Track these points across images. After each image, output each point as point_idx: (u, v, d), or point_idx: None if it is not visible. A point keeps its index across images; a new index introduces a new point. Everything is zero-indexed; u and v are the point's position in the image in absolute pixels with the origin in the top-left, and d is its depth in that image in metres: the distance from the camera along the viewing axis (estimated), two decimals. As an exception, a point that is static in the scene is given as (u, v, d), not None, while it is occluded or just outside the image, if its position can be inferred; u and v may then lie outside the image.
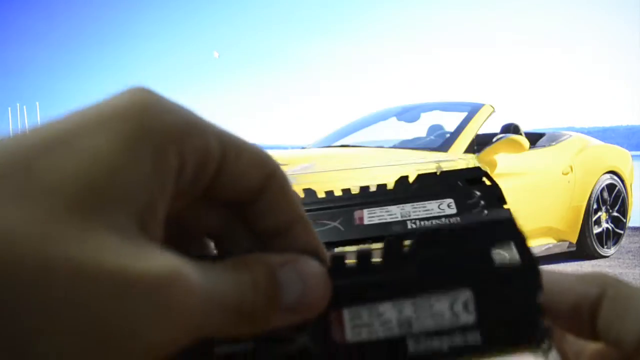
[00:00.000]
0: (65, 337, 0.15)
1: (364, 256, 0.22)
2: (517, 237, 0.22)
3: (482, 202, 0.36)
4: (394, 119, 4.84)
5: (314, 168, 3.23)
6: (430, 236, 0.22)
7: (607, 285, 0.22)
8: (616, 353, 0.23)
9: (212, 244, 0.23)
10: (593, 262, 4.24)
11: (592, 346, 0.24)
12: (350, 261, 0.22)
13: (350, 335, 0.21)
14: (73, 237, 0.15)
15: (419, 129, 4.65)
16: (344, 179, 3.04)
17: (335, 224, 0.36)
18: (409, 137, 4.55)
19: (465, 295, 0.21)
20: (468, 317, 0.21)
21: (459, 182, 0.38)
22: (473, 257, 0.22)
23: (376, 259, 0.22)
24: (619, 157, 4.73)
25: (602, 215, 4.45)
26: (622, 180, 4.61)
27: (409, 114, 4.81)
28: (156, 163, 0.17)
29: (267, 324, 0.20)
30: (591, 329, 0.22)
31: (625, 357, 0.22)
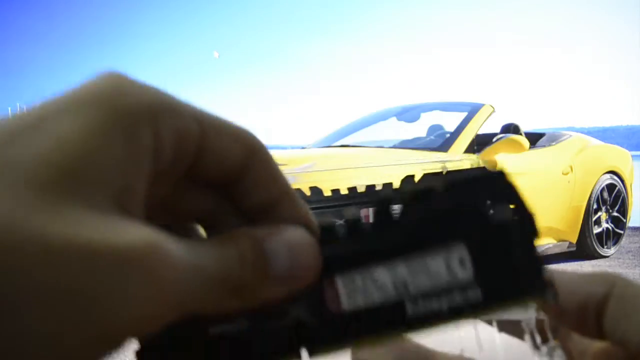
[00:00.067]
0: (39, 313, 0.14)
1: (353, 222, 0.22)
2: (509, 190, 0.21)
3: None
4: (394, 119, 4.84)
5: (314, 168, 3.23)
6: (420, 195, 0.21)
7: (613, 285, 0.22)
8: (621, 352, 0.22)
9: (201, 230, 0.23)
10: (593, 262, 4.24)
11: (598, 345, 0.24)
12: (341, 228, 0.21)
13: (345, 303, 0.21)
14: (42, 215, 0.15)
15: (419, 129, 4.66)
16: (344, 178, 3.04)
17: (341, 222, 0.36)
18: (409, 137, 4.56)
19: (460, 250, 0.21)
20: (466, 274, 0.21)
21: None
22: (465, 211, 0.21)
23: (366, 224, 0.21)
24: (619, 157, 4.73)
25: (602, 215, 4.45)
26: (622, 180, 4.61)
27: (409, 114, 4.81)
28: (129, 144, 0.17)
29: (258, 296, 0.19)
30: (597, 328, 0.22)
31: (630, 356, 0.22)
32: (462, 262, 0.21)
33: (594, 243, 4.33)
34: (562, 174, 4.19)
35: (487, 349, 0.24)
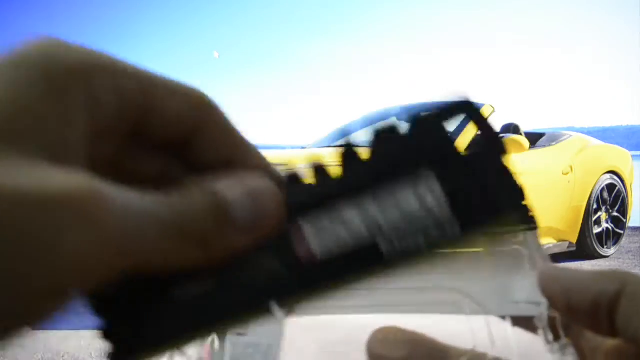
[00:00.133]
0: None
1: (319, 168, 0.21)
2: (473, 113, 0.21)
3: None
4: (394, 119, 4.84)
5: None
6: (385, 132, 0.20)
7: (626, 282, 0.22)
8: (634, 350, 0.23)
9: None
10: (593, 262, 4.24)
11: (610, 343, 0.24)
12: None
13: (315, 248, 0.20)
14: None
15: (419, 129, 4.65)
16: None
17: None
18: (409, 137, 4.55)
19: (430, 180, 0.20)
20: (439, 205, 0.20)
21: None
22: (431, 142, 0.20)
23: (333, 168, 0.20)
24: (619, 157, 4.73)
25: (602, 215, 4.45)
26: (622, 180, 4.61)
27: (408, 114, 4.80)
28: (60, 102, 0.17)
29: (221, 247, 0.19)
30: (609, 325, 0.22)
31: (643, 353, 0.22)
32: (433, 193, 0.20)
33: (594, 243, 4.33)
34: (562, 174, 4.19)
35: (500, 344, 0.24)
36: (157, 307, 0.19)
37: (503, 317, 0.24)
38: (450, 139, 0.20)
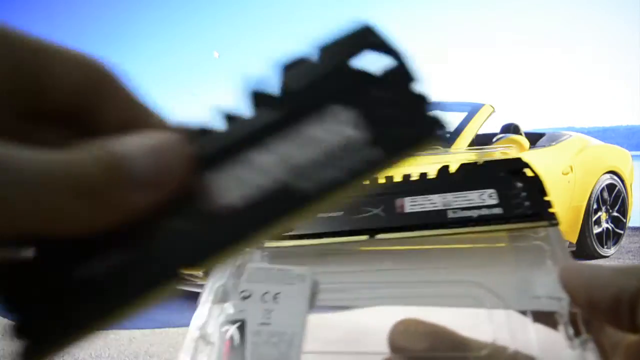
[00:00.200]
0: None
1: (229, 115, 0.19)
2: (375, 39, 0.20)
3: (524, 194, 0.36)
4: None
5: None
6: (292, 66, 0.20)
7: (648, 277, 0.22)
8: (655, 345, 0.23)
9: None
10: (593, 262, 4.24)
11: (631, 338, 0.24)
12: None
13: (226, 199, 0.19)
14: None
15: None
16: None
17: (377, 211, 0.36)
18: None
19: (340, 111, 0.19)
20: (353, 133, 0.19)
21: (500, 173, 0.38)
22: (340, 72, 0.19)
23: (243, 113, 0.19)
24: (619, 157, 4.73)
25: (602, 215, 4.45)
26: (622, 180, 4.61)
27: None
28: None
29: (119, 203, 0.18)
30: (630, 321, 0.22)
31: (664, 349, 0.22)
32: (346, 122, 0.19)
33: (594, 243, 4.33)
34: (562, 174, 4.19)
35: (521, 338, 0.24)
36: (68, 290, 0.18)
37: (524, 312, 0.24)
38: (353, 67, 0.19)
